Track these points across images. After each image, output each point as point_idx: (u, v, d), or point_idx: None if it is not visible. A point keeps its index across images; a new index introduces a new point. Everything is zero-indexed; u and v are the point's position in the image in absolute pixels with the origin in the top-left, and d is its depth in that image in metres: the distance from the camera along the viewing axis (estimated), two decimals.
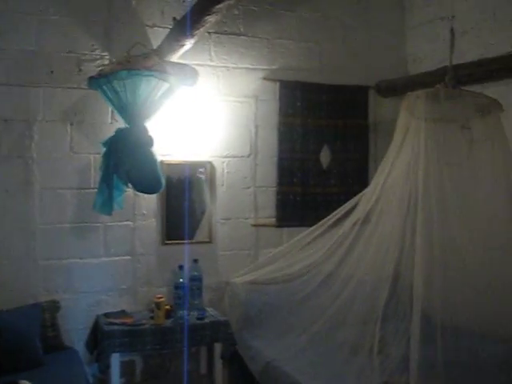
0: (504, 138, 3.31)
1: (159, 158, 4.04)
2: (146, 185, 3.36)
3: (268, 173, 4.53)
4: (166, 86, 3.18)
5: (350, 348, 3.37)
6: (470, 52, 4.23)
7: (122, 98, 3.16)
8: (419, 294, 2.86)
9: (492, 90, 3.80)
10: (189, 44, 3.35)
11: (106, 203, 3.53)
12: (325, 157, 4.66)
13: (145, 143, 3.27)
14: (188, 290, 4.03)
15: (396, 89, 4.63)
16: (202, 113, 4.28)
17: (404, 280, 3.25)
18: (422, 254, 2.92)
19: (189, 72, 3.18)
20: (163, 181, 3.55)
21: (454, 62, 3.49)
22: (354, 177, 4.71)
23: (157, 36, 4.00)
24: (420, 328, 2.80)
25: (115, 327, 3.66)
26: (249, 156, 4.47)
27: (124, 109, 3.22)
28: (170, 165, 4.18)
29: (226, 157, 4.38)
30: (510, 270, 3.26)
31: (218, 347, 3.90)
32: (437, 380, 2.85)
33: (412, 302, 2.89)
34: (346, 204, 4.00)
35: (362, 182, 4.41)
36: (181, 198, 4.19)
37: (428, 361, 2.85)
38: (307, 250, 4.23)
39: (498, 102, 3.33)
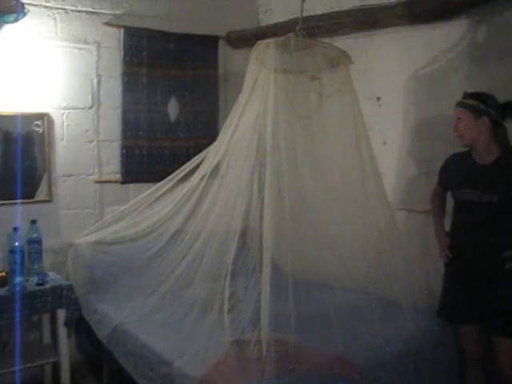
0: (353, 90, 3.33)
1: None
2: None
3: (112, 126, 4.23)
4: None
5: (200, 307, 3.27)
6: (321, 4, 4.22)
7: None
8: (269, 246, 2.81)
9: (342, 42, 3.81)
10: None
11: None
12: (173, 109, 4.45)
13: None
14: (25, 254, 3.70)
15: (247, 39, 4.50)
16: (38, 59, 3.87)
17: (253, 233, 3.18)
18: (272, 206, 2.87)
19: (9, 6, 2.74)
20: None
21: (305, 14, 3.44)
22: (203, 130, 4.56)
23: None
24: (271, 281, 2.75)
25: None
26: (91, 108, 4.12)
27: None
28: (1, 117, 3.76)
29: (65, 108, 4.01)
30: (358, 221, 3.33)
31: (61, 314, 3.63)
32: (288, 333, 2.83)
33: (262, 256, 2.83)
34: (194, 158, 3.85)
35: (212, 135, 4.25)
36: (17, 153, 3.80)
37: (279, 314, 2.82)
38: (155, 206, 4.05)
39: (347, 53, 3.34)
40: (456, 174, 3.08)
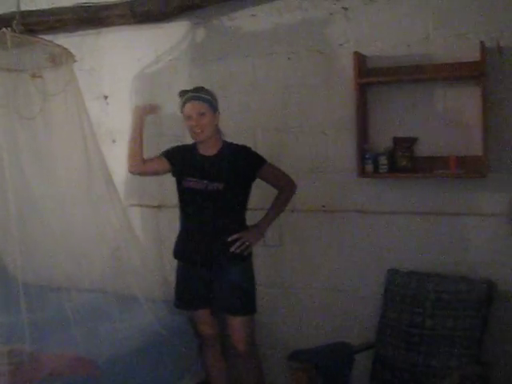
0: (77, 89, 3.30)
1: None
2: None
3: None
4: None
5: None
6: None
7: None
8: None
9: (66, 40, 3.71)
10: None
11: None
12: None
13: None
14: None
15: None
16: None
17: None
18: None
19: None
20: None
21: (25, 9, 3.31)
22: None
23: None
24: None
25: None
26: None
27: None
28: None
29: None
30: (91, 220, 3.32)
31: None
32: (23, 343, 2.72)
33: None
34: None
35: None
36: None
37: (13, 324, 2.74)
38: None
39: (70, 52, 3.28)
40: (182, 163, 3.14)
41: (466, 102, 3.07)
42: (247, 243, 3.04)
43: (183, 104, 3.06)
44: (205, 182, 3.04)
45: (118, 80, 3.91)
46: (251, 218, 3.18)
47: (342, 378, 2.92)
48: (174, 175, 3.18)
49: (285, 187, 3.15)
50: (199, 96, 3.03)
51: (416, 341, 3.01)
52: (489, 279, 2.97)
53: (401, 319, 3.08)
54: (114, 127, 3.88)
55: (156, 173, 3.25)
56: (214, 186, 3.02)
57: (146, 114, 3.17)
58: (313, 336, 3.44)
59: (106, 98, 3.97)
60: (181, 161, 3.15)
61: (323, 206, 3.43)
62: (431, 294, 3.04)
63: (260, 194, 3.25)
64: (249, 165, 3.08)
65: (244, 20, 3.55)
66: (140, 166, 3.11)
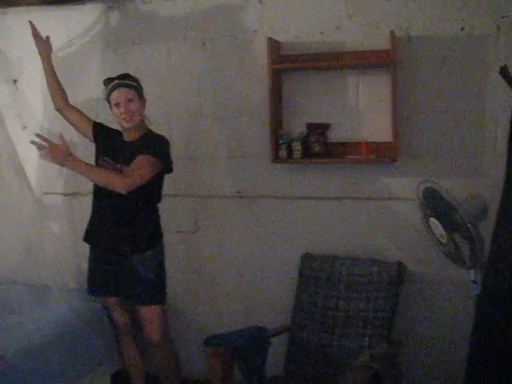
0: None
1: None
2: None
3: None
4: None
5: None
6: None
7: None
8: None
9: None
10: None
11: None
12: None
13: None
14: None
15: None
16: None
17: None
18: None
19: None
20: None
21: None
22: None
23: None
24: None
25: None
26: None
27: None
28: None
29: None
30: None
31: None
32: None
33: None
34: None
35: None
36: None
37: None
38: None
39: None
40: (103, 141, 3.10)
41: (377, 90, 3.15)
42: (43, 151, 2.75)
43: (110, 92, 2.99)
44: (117, 165, 2.98)
45: (29, 63, 3.75)
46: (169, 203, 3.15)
47: (258, 362, 2.95)
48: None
49: (120, 176, 2.87)
50: (126, 83, 2.97)
51: (330, 323, 3.08)
52: (399, 261, 3.07)
53: (315, 302, 3.14)
54: (24, 112, 3.74)
55: (74, 124, 3.19)
56: (122, 170, 2.95)
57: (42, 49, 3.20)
58: (229, 321, 3.46)
59: (15, 81, 3.81)
60: (103, 139, 3.11)
61: (239, 192, 3.44)
62: (344, 276, 3.12)
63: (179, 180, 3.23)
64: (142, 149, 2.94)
65: (159, 4, 3.49)
66: (62, 106, 3.19)
